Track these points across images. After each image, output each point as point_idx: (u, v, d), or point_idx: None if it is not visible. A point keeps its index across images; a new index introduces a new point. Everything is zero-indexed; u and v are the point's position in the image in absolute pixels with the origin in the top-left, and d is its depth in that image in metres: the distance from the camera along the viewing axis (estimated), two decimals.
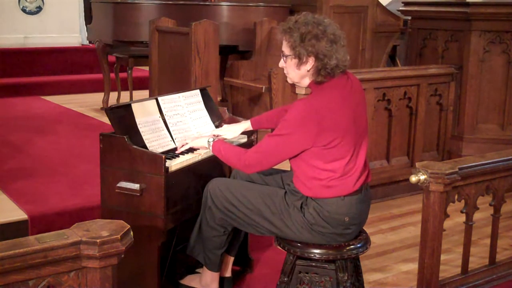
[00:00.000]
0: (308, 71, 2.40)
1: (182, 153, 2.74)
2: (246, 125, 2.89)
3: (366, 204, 2.54)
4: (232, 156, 2.51)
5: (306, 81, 2.46)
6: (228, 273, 2.94)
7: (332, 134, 2.33)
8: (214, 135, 2.78)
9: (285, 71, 2.50)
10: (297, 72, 2.44)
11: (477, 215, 3.04)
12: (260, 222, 2.54)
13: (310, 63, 2.38)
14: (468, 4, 4.58)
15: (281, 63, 2.49)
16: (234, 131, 2.88)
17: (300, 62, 2.39)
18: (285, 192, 2.54)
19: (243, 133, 2.94)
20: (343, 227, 2.44)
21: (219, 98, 5.82)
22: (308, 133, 2.33)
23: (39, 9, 7.64)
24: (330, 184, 2.40)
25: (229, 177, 2.86)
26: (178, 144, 2.79)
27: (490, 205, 3.06)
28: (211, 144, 2.62)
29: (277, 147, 2.40)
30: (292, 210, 2.46)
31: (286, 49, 2.43)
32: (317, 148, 2.36)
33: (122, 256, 1.80)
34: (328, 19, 2.44)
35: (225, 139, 2.84)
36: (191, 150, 2.77)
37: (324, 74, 2.38)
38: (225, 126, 2.93)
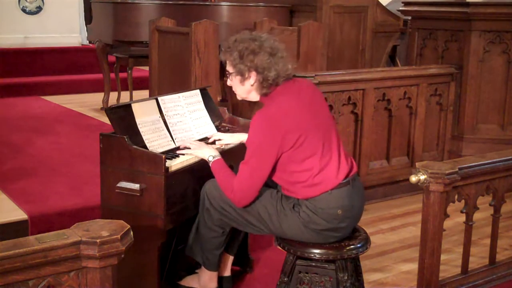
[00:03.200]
0: (252, 85, 2.51)
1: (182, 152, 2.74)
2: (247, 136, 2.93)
3: (358, 196, 2.54)
4: (224, 188, 2.53)
5: (254, 95, 2.56)
6: (227, 272, 2.94)
7: (295, 133, 2.40)
8: (218, 148, 2.79)
9: (233, 89, 2.60)
10: (243, 88, 2.54)
11: (477, 215, 3.04)
12: (257, 224, 2.55)
13: (253, 77, 2.48)
14: (468, 4, 4.58)
15: (229, 82, 2.59)
16: (235, 137, 2.95)
17: (243, 78, 2.50)
18: (281, 195, 2.54)
19: None
20: (337, 220, 2.45)
21: (219, 98, 5.79)
22: (273, 140, 2.39)
23: (39, 9, 7.64)
24: (313, 182, 2.43)
25: None
26: (181, 145, 2.78)
27: (490, 205, 3.06)
28: (211, 162, 2.63)
29: (256, 169, 2.44)
30: (288, 211, 2.48)
31: (229, 67, 2.55)
32: (286, 153, 2.42)
33: (122, 256, 1.80)
34: (265, 34, 2.57)
35: (228, 144, 2.91)
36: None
37: (267, 86, 2.48)
38: (228, 135, 2.99)
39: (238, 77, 2.51)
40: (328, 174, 2.45)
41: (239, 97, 2.61)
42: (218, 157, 2.64)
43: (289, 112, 2.42)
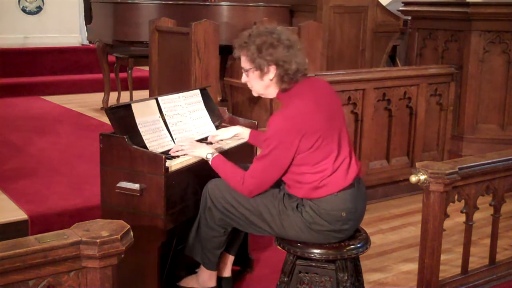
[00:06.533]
0: (271, 80, 2.46)
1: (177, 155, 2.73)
2: (242, 130, 2.93)
3: (361, 198, 2.54)
4: (231, 180, 2.53)
5: (272, 91, 2.51)
6: (227, 273, 2.93)
7: (313, 137, 2.37)
8: (217, 148, 2.77)
9: (249, 85, 2.55)
10: (261, 83, 2.49)
11: (477, 215, 3.04)
12: (259, 223, 2.54)
13: (272, 71, 2.44)
14: (468, 4, 4.58)
15: (244, 78, 2.54)
16: (229, 131, 2.93)
17: (262, 72, 2.45)
18: (284, 194, 2.54)
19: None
20: (341, 222, 2.45)
21: (219, 98, 5.82)
22: (292, 142, 2.37)
23: (39, 9, 7.64)
24: (321, 184, 2.42)
25: None
26: (174, 148, 2.74)
27: (490, 205, 3.06)
28: (210, 160, 2.61)
29: (270, 166, 2.43)
30: (290, 211, 2.47)
31: (245, 63, 2.49)
32: (302, 154, 2.40)
33: (122, 256, 1.80)
34: (280, 27, 2.51)
35: (222, 140, 2.89)
36: None
37: (287, 80, 2.44)
38: (223, 129, 2.97)
39: (257, 72, 2.45)
40: (338, 176, 2.44)
41: (255, 93, 2.56)
42: (216, 153, 2.63)
43: (307, 115, 2.38)
